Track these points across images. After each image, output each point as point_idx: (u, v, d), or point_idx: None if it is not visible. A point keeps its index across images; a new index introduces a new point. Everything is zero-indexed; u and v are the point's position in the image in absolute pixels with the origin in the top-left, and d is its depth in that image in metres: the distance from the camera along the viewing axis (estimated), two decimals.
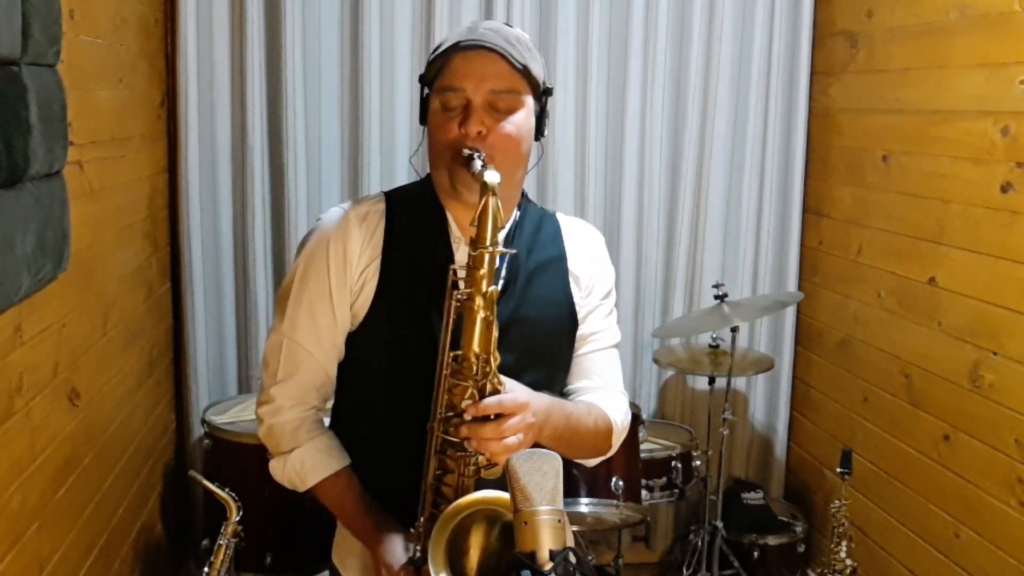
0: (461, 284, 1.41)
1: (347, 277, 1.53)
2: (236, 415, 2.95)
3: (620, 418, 1.62)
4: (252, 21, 3.05)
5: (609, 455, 1.65)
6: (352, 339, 1.56)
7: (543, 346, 1.52)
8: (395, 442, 1.54)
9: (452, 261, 1.52)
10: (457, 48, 1.47)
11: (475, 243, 1.38)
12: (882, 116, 2.95)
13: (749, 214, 3.41)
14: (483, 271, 1.37)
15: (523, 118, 1.51)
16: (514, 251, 1.45)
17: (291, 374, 1.56)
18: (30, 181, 1.52)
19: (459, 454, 1.39)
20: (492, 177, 1.38)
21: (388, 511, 1.53)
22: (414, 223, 1.56)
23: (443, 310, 1.44)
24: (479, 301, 1.37)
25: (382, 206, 1.57)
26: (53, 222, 1.63)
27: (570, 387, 1.64)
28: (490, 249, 1.37)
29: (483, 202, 1.37)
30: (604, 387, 1.64)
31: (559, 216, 1.67)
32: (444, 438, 1.40)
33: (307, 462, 1.55)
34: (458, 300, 1.39)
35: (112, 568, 2.42)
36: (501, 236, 1.43)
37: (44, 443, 1.93)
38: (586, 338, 1.63)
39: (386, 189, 1.66)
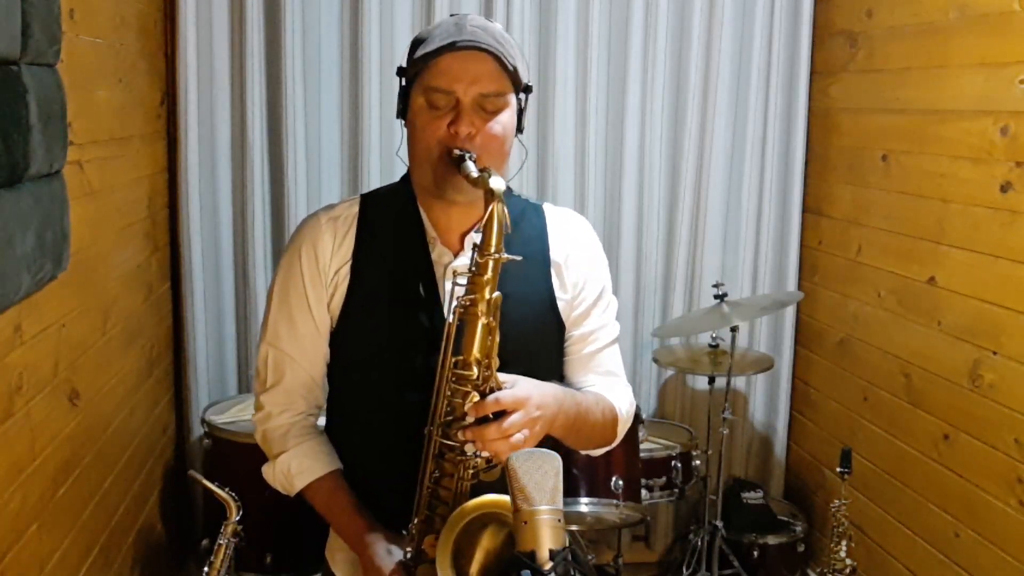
0: (460, 289, 1.40)
1: (321, 279, 1.54)
2: (236, 415, 2.95)
3: (625, 408, 1.64)
4: (252, 21, 3.05)
5: (614, 445, 1.66)
6: (332, 340, 1.58)
7: (521, 342, 1.48)
8: (381, 441, 1.55)
9: (428, 261, 1.53)
10: (447, 48, 1.44)
11: (481, 250, 1.38)
12: (882, 116, 2.95)
13: (749, 214, 3.41)
14: (487, 277, 1.38)
15: (508, 117, 1.50)
16: (519, 258, 1.42)
17: (277, 381, 1.59)
18: (30, 181, 1.52)
19: (459, 458, 1.39)
20: (498, 184, 1.38)
21: (377, 512, 1.53)
22: (388, 223, 1.56)
23: (418, 309, 1.46)
24: (482, 307, 1.38)
25: (356, 208, 1.58)
26: (53, 222, 1.62)
27: (576, 384, 1.64)
28: (495, 256, 1.38)
29: (489, 210, 1.37)
30: (609, 380, 1.65)
31: (547, 207, 1.64)
32: (442, 442, 1.40)
33: (294, 466, 1.57)
34: (461, 306, 1.39)
35: (112, 568, 2.42)
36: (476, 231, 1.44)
37: (44, 443, 1.93)
38: (587, 337, 1.62)
39: None
